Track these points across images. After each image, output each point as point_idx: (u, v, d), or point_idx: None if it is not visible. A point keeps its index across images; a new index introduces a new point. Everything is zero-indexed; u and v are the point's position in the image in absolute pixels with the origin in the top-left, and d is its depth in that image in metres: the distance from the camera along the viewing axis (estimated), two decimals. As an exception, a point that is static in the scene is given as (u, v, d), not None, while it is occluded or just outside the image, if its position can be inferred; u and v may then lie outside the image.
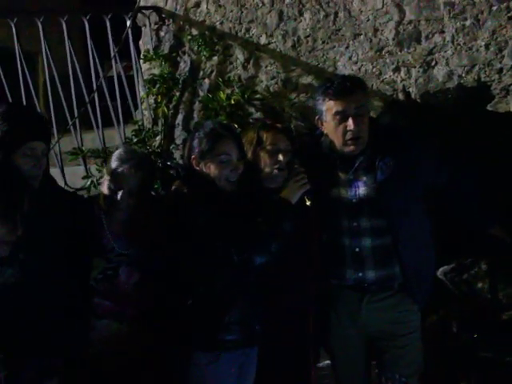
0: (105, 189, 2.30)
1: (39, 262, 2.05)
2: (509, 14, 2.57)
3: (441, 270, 3.16)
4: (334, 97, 2.26)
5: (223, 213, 2.18)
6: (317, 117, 2.36)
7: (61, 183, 3.22)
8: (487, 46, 2.62)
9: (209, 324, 2.17)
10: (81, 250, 2.20)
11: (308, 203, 2.28)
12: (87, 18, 3.34)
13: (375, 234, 2.30)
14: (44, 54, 3.32)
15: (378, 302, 2.34)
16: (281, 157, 2.30)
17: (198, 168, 2.24)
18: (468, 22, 2.65)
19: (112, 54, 3.36)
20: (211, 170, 2.22)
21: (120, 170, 2.26)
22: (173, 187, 2.27)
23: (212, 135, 2.24)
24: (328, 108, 2.28)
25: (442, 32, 2.70)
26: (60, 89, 3.34)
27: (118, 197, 2.25)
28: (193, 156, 2.25)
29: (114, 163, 2.29)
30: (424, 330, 2.42)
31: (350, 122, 2.24)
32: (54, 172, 3.32)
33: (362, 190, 2.31)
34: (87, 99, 3.33)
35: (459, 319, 3.01)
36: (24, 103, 3.27)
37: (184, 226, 2.17)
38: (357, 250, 2.30)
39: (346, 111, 2.25)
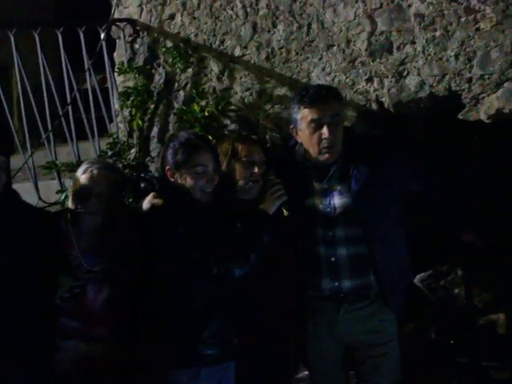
0: (70, 201, 2.24)
1: None
2: (476, 26, 2.65)
3: (418, 276, 3.20)
4: (309, 105, 2.28)
5: (200, 224, 2.18)
6: (291, 125, 2.37)
7: (34, 197, 3.22)
8: (457, 56, 2.70)
9: (188, 339, 2.16)
10: (44, 268, 2.16)
11: (285, 214, 2.31)
12: (61, 30, 3.33)
13: (350, 243, 2.31)
14: (16, 66, 3.30)
15: (354, 312, 2.35)
16: (256, 169, 2.31)
17: (172, 179, 2.24)
18: (438, 33, 2.72)
19: (86, 67, 3.38)
20: (187, 181, 2.22)
21: (89, 171, 2.22)
22: (147, 200, 2.26)
23: (188, 146, 2.24)
24: (303, 116, 2.30)
25: (413, 43, 2.77)
26: (33, 102, 3.32)
27: (88, 202, 2.20)
28: (167, 167, 2.25)
29: (82, 168, 2.26)
30: (401, 337, 2.44)
31: (325, 130, 2.26)
32: (28, 186, 3.32)
33: (336, 199, 2.33)
34: (61, 112, 3.34)
35: (436, 325, 3.04)
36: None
37: (160, 239, 2.16)
38: (332, 259, 2.32)
39: (321, 119, 2.27)
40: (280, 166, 2.38)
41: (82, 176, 2.23)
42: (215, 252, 2.17)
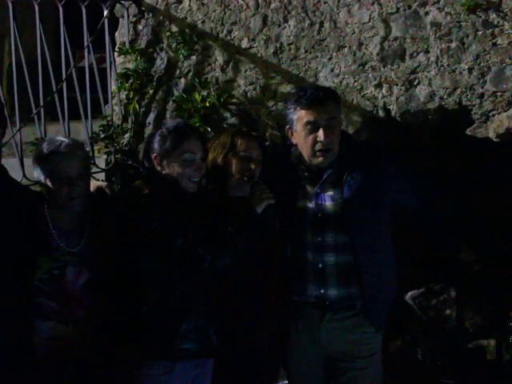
0: (50, 184, 2.25)
1: None
2: (493, 40, 2.69)
3: (409, 294, 3.24)
4: (305, 106, 2.30)
5: (184, 213, 2.22)
6: (287, 126, 2.40)
7: (19, 174, 3.20)
8: (470, 70, 2.73)
9: (165, 331, 2.20)
10: (24, 247, 2.19)
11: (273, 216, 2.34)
12: (62, 3, 3.32)
13: (339, 250, 2.34)
14: (12, 36, 3.28)
15: (339, 322, 2.38)
16: (252, 165, 2.36)
17: (159, 167, 2.28)
18: (453, 44, 2.76)
19: (85, 44, 3.35)
20: (174, 168, 2.26)
21: (68, 154, 2.24)
22: (133, 186, 2.30)
23: (177, 133, 2.28)
24: (299, 117, 2.33)
25: (427, 52, 2.80)
26: (27, 75, 3.30)
27: (75, 186, 2.23)
28: (154, 154, 2.29)
29: (51, 148, 2.26)
30: (388, 354, 2.53)
31: (321, 132, 2.29)
32: (13, 162, 3.29)
33: (328, 204, 2.36)
34: (55, 88, 3.29)
35: (424, 345, 3.08)
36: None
37: (142, 226, 2.20)
38: (320, 265, 2.35)
39: (317, 122, 2.30)
40: (274, 165, 2.42)
41: (58, 158, 2.24)
42: (202, 239, 2.21)
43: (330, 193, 2.36)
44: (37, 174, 2.31)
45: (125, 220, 2.26)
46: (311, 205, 2.37)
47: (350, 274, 2.35)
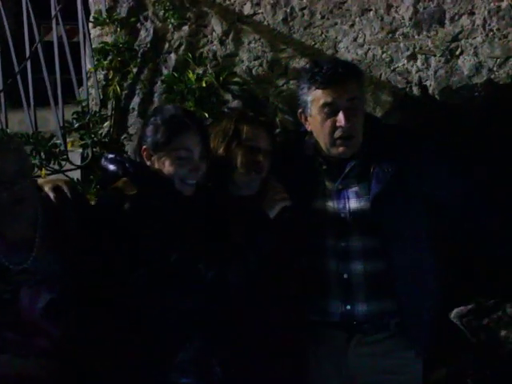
0: None
1: None
2: (555, -4, 2.66)
3: (455, 311, 3.17)
4: (322, 85, 2.28)
5: (180, 220, 2.18)
6: (300, 110, 2.38)
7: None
8: (526, 35, 2.70)
9: (157, 363, 2.14)
10: None
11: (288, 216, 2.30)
12: (24, -35, 3.38)
13: (368, 256, 2.31)
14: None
15: (369, 346, 2.33)
16: (260, 157, 2.32)
17: (149, 162, 2.25)
18: (504, 4, 2.67)
19: (53, 14, 3.32)
20: (165, 166, 2.22)
21: None
22: (116, 186, 2.24)
23: (171, 124, 2.24)
24: (314, 98, 2.30)
25: (472, 14, 2.74)
26: (-18, 54, 3.38)
27: (13, 186, 2.11)
28: (144, 146, 2.26)
29: None
30: (431, 385, 2.45)
31: (341, 116, 2.26)
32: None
33: (352, 202, 2.34)
34: (17, 69, 3.28)
35: (475, 374, 3.01)
36: None
37: (129, 238, 2.14)
38: (345, 276, 2.31)
39: (337, 103, 2.27)
40: (285, 158, 2.40)
41: None
42: (205, 252, 2.17)
43: (355, 189, 2.35)
44: None
45: (104, 228, 2.19)
46: (332, 204, 2.35)
47: (382, 286, 2.32)
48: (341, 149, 2.30)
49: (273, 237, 2.25)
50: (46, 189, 2.29)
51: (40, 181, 2.37)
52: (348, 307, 2.30)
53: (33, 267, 2.18)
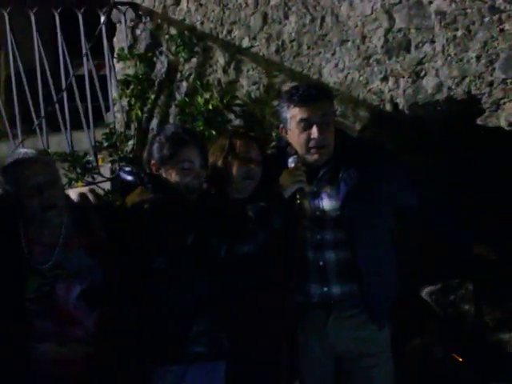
0: (25, 199, 2.12)
1: None
2: (501, 26, 2.65)
3: (426, 290, 3.22)
4: (298, 104, 2.32)
5: (193, 213, 2.20)
6: (281, 125, 2.42)
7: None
8: (478, 58, 2.69)
9: (177, 335, 2.18)
10: (9, 267, 2.13)
11: (298, 202, 2.30)
12: (58, 11, 3.33)
13: (339, 247, 2.35)
14: (10, 46, 3.30)
15: (344, 320, 2.37)
16: (252, 166, 2.36)
17: (157, 174, 2.28)
18: (459, 33, 2.72)
19: (84, 51, 3.37)
20: (172, 176, 2.25)
21: (28, 162, 2.15)
22: (134, 194, 2.27)
23: (174, 140, 2.27)
24: (292, 115, 2.34)
25: (433, 42, 2.77)
26: (26, 85, 3.32)
27: (42, 195, 2.12)
28: (153, 161, 2.29)
29: (12, 162, 2.16)
30: (406, 354, 2.51)
31: (315, 129, 2.30)
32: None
33: (325, 202, 2.37)
34: (55, 98, 3.33)
35: (444, 342, 3.05)
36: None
37: (149, 231, 2.17)
38: (321, 263, 2.35)
39: (311, 119, 2.31)
40: (270, 166, 2.41)
41: (22, 167, 2.15)
42: (220, 230, 2.19)
43: (327, 190, 2.37)
44: (7, 189, 2.19)
45: (129, 226, 2.23)
46: (309, 203, 2.36)
47: (351, 271, 2.35)
48: (315, 156, 2.33)
49: (283, 215, 2.25)
50: (73, 196, 2.30)
51: (68, 190, 2.38)
52: (325, 289, 2.35)
53: (64, 263, 2.17)
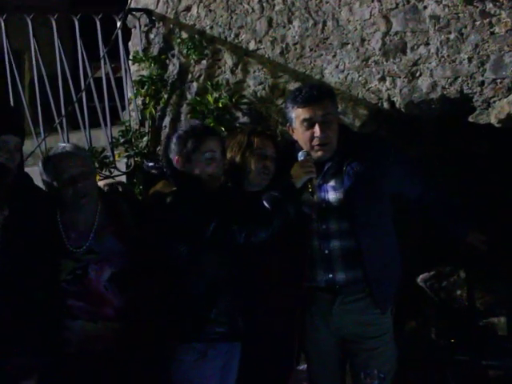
0: (61, 188, 2.21)
1: (7, 260, 2.06)
2: (491, 30, 2.66)
3: (421, 277, 3.23)
4: (301, 104, 2.34)
5: (215, 203, 2.23)
6: (287, 124, 2.45)
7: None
8: (470, 60, 2.71)
9: (199, 315, 2.22)
10: (47, 250, 2.19)
11: (310, 190, 2.31)
12: (77, 17, 3.34)
13: (343, 236, 2.36)
14: (33, 51, 3.31)
15: (348, 304, 2.39)
16: (268, 162, 2.40)
17: (182, 168, 2.29)
18: (452, 36, 2.73)
19: (101, 55, 3.37)
20: (196, 167, 2.27)
21: (64, 154, 2.22)
22: (157, 187, 2.31)
23: (196, 134, 2.29)
24: (296, 115, 2.36)
25: (427, 44, 2.78)
26: (48, 87, 3.33)
27: (77, 184, 2.19)
28: (176, 157, 2.30)
29: (51, 156, 2.25)
30: (403, 335, 2.49)
31: (317, 128, 2.32)
32: (38, 171, 3.34)
33: (330, 194, 2.38)
34: (75, 99, 3.33)
35: (437, 325, 3.06)
36: (11, 100, 3.29)
37: (176, 219, 2.20)
38: (326, 251, 2.37)
39: (313, 118, 2.33)
40: (281, 161, 2.43)
41: (59, 159, 2.23)
42: (238, 217, 2.21)
43: (332, 183, 2.39)
44: (46, 180, 2.28)
45: (153, 216, 2.26)
46: (315, 195, 2.37)
47: (354, 259, 2.36)
48: (318, 153, 2.35)
49: (296, 205, 2.27)
50: (104, 187, 2.38)
51: (100, 182, 2.44)
52: (330, 276, 2.36)
53: (97, 248, 2.25)
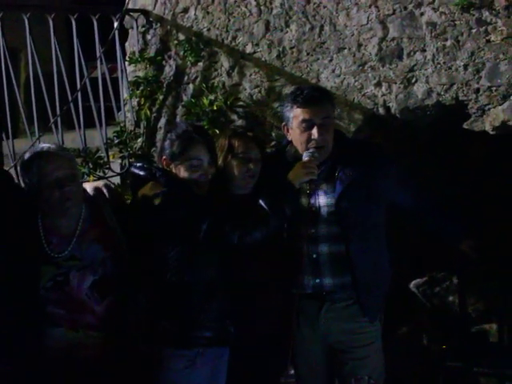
0: (44, 190, 2.11)
1: None
2: (487, 37, 2.67)
3: (413, 282, 3.23)
4: (302, 105, 2.30)
5: (205, 204, 2.19)
6: (283, 123, 2.40)
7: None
8: (466, 67, 2.72)
9: (185, 322, 2.18)
10: (27, 256, 2.10)
11: (308, 192, 2.28)
12: (74, 16, 3.32)
13: (332, 241, 2.33)
14: (29, 50, 3.29)
15: (336, 312, 2.35)
16: (251, 165, 2.34)
17: (168, 169, 2.26)
18: (448, 43, 2.74)
19: (98, 55, 3.35)
20: (181, 172, 2.24)
21: (50, 156, 2.12)
22: (145, 189, 2.26)
23: (184, 138, 2.24)
24: (295, 115, 2.32)
25: (423, 50, 2.79)
26: (44, 86, 3.31)
27: (64, 188, 2.10)
28: (164, 157, 2.27)
29: (33, 155, 2.13)
30: (395, 340, 2.48)
31: (315, 130, 2.28)
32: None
33: (321, 198, 2.35)
34: (70, 98, 3.30)
35: (429, 331, 3.07)
36: (6, 98, 3.27)
37: (165, 221, 2.16)
38: (314, 256, 2.33)
39: (312, 120, 2.29)
40: (270, 165, 2.40)
41: (43, 161, 2.12)
42: (228, 217, 2.16)
43: (323, 188, 2.35)
44: (27, 182, 2.17)
45: (142, 218, 2.23)
46: (306, 200, 2.33)
47: (343, 264, 2.33)
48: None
49: (294, 204, 2.22)
50: (89, 189, 2.27)
51: (84, 184, 2.34)
52: (317, 281, 2.32)
53: (79, 254, 2.15)
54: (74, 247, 2.17)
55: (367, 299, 2.35)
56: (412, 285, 3.19)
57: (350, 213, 2.32)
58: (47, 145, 2.24)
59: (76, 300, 2.16)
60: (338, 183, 2.33)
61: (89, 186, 2.31)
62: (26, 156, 2.19)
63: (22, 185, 2.21)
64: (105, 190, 2.30)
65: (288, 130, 2.39)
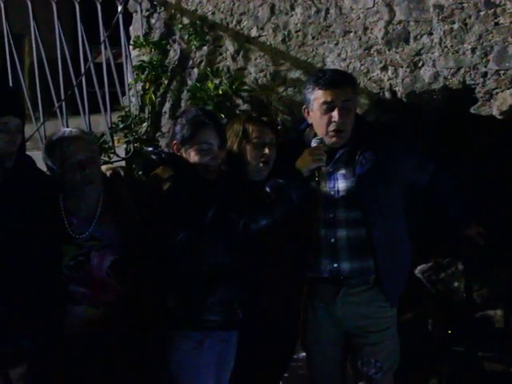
0: (66, 172, 2.20)
1: (4, 243, 2.05)
2: (495, 20, 2.63)
3: (418, 268, 3.24)
4: (323, 87, 2.30)
5: (213, 190, 2.21)
6: (304, 106, 2.39)
7: (44, 166, 3.23)
8: (473, 50, 2.68)
9: (192, 304, 2.20)
10: (49, 235, 2.19)
11: (316, 179, 2.27)
12: (78, 0, 3.30)
13: (350, 225, 2.32)
14: (33, 34, 3.28)
15: (353, 296, 2.35)
16: (266, 150, 2.34)
17: (178, 153, 2.28)
18: (456, 26, 2.70)
19: (102, 39, 3.33)
20: (191, 156, 2.25)
21: (72, 139, 2.19)
22: (157, 172, 2.28)
23: (194, 122, 2.26)
24: (316, 97, 2.31)
25: (430, 34, 2.75)
26: (48, 71, 3.30)
27: (85, 170, 2.18)
28: (174, 141, 2.29)
29: (55, 139, 2.22)
30: (399, 326, 2.45)
31: (336, 113, 2.28)
32: (37, 155, 3.30)
33: (340, 182, 2.35)
34: (74, 83, 3.29)
35: (434, 316, 3.07)
36: (10, 83, 3.26)
37: (173, 205, 2.18)
38: (332, 240, 2.33)
39: (334, 102, 2.29)
40: (289, 149, 2.39)
41: (65, 144, 2.20)
42: (235, 205, 2.17)
43: (343, 171, 2.34)
44: (50, 165, 2.26)
45: (152, 202, 2.25)
46: (324, 184, 2.34)
47: (362, 248, 2.32)
48: (333, 139, 2.31)
49: (302, 192, 2.21)
50: (107, 172, 2.35)
51: (102, 167, 2.41)
52: (335, 265, 2.32)
53: (99, 235, 2.25)
54: (94, 228, 2.25)
55: (388, 284, 2.34)
56: (417, 270, 3.20)
57: (371, 197, 2.31)
58: (69, 129, 2.32)
59: (97, 279, 2.24)
60: (359, 167, 2.32)
61: (106, 168, 2.39)
62: (51, 139, 2.26)
63: (45, 168, 2.28)
64: (122, 173, 2.38)
65: (308, 113, 2.37)
